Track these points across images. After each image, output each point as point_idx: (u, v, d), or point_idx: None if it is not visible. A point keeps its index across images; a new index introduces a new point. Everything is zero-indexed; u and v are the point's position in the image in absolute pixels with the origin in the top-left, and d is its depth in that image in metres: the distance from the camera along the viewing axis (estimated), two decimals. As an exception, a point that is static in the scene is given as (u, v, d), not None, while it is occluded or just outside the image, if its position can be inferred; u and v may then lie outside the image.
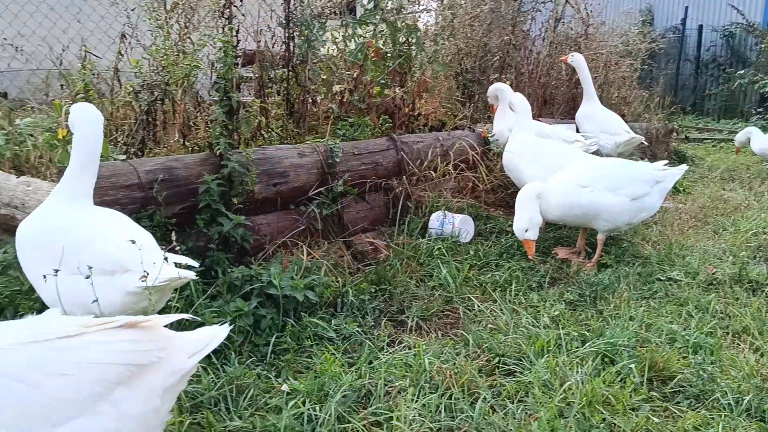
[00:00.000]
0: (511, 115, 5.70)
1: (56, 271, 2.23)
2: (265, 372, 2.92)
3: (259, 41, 5.28)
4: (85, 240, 2.57)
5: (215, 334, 2.12)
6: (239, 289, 3.37)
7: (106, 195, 3.38)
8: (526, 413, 2.62)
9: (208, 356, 2.81)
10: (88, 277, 2.26)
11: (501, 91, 5.75)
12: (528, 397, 2.74)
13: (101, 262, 2.47)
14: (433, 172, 5.05)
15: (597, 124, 6.52)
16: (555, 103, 7.83)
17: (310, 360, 3.06)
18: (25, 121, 4.27)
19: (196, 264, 2.72)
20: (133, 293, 2.47)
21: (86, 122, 2.89)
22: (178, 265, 2.62)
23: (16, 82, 6.29)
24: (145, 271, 2.33)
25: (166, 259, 2.45)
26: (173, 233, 2.70)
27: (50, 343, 1.79)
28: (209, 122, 4.55)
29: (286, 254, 4.08)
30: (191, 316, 2.13)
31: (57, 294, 2.42)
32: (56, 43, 5.97)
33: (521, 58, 7.57)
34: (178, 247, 2.62)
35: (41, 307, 2.98)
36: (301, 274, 3.64)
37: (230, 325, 2.24)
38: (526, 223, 4.17)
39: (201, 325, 2.45)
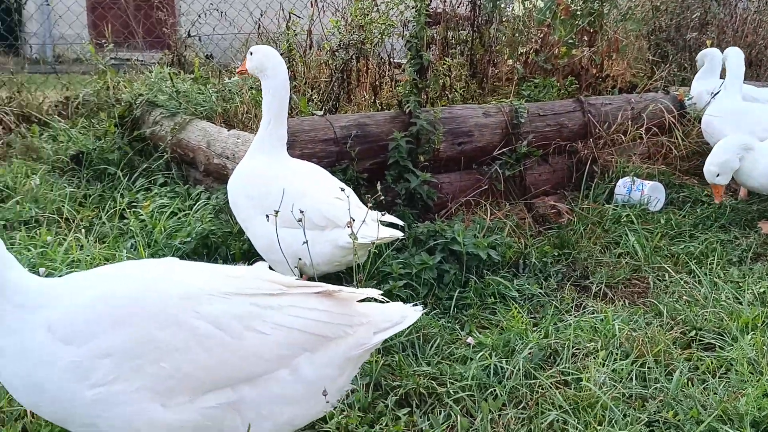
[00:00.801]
0: (713, 77, 5.27)
1: (276, 212, 2.42)
2: (450, 324, 3.00)
3: (445, 1, 5.30)
4: (299, 195, 2.72)
5: (406, 315, 2.05)
6: (424, 244, 3.47)
7: (305, 148, 3.61)
8: (729, 390, 2.46)
9: (398, 304, 2.95)
10: (300, 220, 2.44)
11: (710, 54, 5.35)
12: (730, 373, 2.57)
13: (314, 217, 2.63)
14: (622, 136, 4.80)
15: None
16: (762, 65, 7.07)
17: (492, 316, 3.10)
18: (232, 80, 4.65)
19: (401, 222, 2.82)
20: (342, 247, 2.61)
21: (275, 69, 2.97)
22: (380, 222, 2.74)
23: (220, 45, 6.87)
24: (352, 218, 2.47)
25: (374, 211, 2.58)
26: (378, 185, 2.81)
27: (254, 298, 1.81)
28: (394, 81, 4.68)
29: (467, 213, 4.12)
30: (380, 293, 2.05)
31: (270, 241, 2.64)
32: (255, 8, 6.43)
33: (725, 15, 6.89)
34: (382, 197, 2.73)
35: (249, 248, 3.29)
36: (484, 233, 3.67)
37: (421, 308, 2.11)
38: (716, 166, 3.86)
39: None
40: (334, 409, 2.18)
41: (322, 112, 3.93)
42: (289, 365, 1.82)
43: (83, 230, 3.48)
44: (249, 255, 3.30)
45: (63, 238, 3.36)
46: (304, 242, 2.50)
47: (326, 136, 3.69)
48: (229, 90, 4.49)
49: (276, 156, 3.03)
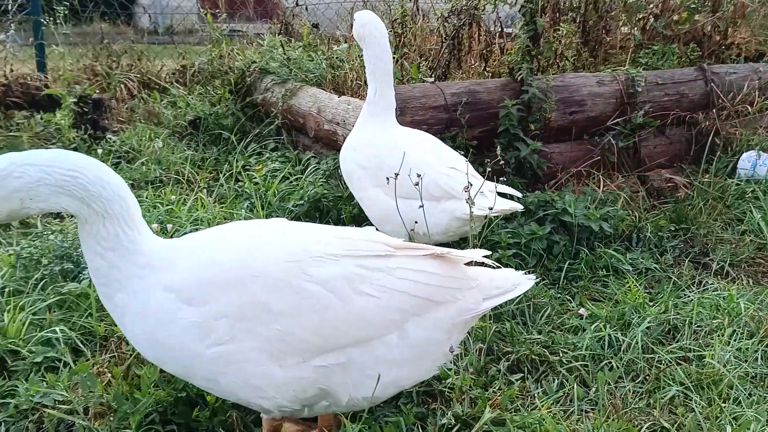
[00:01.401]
0: None
1: (396, 175, 2.44)
2: (560, 295, 2.95)
3: (558, -34, 5.11)
4: (414, 166, 2.69)
5: (518, 283, 1.99)
6: (533, 214, 3.41)
7: (416, 115, 3.62)
8: None
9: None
10: (416, 184, 2.45)
11: None
12: None
13: (430, 188, 2.62)
14: (748, 107, 4.51)
15: None
16: None
17: (604, 289, 3.02)
18: (341, 47, 4.70)
19: (519, 194, 2.77)
20: (459, 218, 2.60)
21: (374, 37, 2.90)
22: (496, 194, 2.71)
23: (326, 15, 6.95)
24: (469, 183, 2.45)
25: (489, 181, 2.56)
26: (498, 150, 2.78)
27: (362, 260, 1.79)
28: (504, 49, 4.59)
29: (577, 184, 4.02)
30: (489, 253, 1.98)
31: (383, 212, 2.66)
32: (361, -22, 6.43)
33: None
34: (501, 163, 2.70)
35: (359, 212, 3.35)
36: (595, 205, 3.57)
37: (534, 276, 2.04)
38: None
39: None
40: (449, 370, 2.20)
41: (432, 79, 3.91)
42: (398, 329, 1.81)
43: (204, 191, 3.65)
44: (359, 219, 3.36)
45: (186, 198, 3.54)
46: (420, 206, 2.51)
47: (437, 103, 3.68)
48: (338, 57, 4.55)
49: (386, 125, 3.01)
